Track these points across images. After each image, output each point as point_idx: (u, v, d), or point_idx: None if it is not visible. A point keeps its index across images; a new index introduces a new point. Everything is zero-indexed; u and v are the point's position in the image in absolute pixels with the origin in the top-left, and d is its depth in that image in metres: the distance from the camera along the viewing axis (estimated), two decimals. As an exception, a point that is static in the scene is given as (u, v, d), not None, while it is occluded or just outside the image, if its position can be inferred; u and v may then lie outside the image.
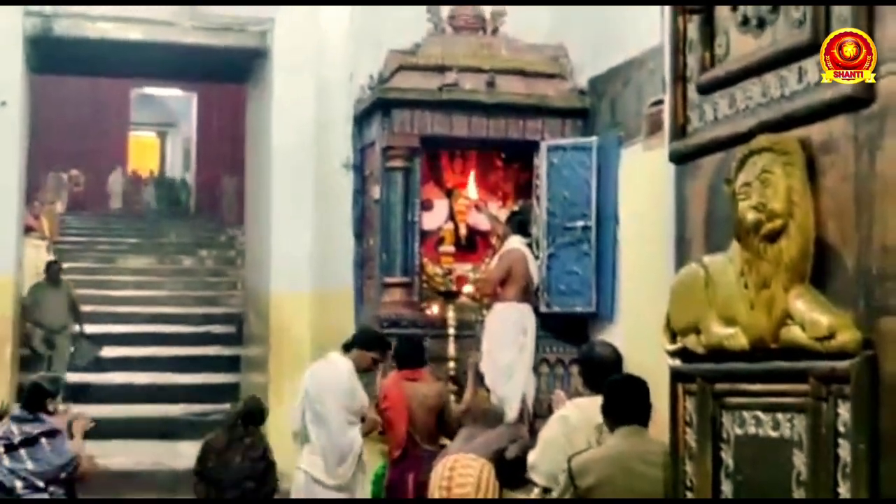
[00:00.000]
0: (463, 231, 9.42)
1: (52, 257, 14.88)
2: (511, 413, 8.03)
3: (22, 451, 6.51)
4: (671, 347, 3.82)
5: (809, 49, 3.22)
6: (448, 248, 9.19)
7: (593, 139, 8.73)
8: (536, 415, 8.17)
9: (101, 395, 12.69)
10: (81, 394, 12.36)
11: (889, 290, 2.92)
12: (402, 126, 8.96)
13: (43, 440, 6.59)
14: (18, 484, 6.47)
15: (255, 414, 7.32)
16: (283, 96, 10.50)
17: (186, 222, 23.78)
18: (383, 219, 9.04)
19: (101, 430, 11.51)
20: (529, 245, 8.74)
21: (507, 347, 8.28)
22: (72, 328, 12.75)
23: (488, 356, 8.22)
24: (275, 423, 8.18)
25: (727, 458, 3.52)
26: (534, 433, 7.00)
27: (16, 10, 10.00)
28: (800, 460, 3.19)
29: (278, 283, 10.48)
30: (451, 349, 8.41)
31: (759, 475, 3.38)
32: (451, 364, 8.38)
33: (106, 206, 25.61)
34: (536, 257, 8.69)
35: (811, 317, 3.13)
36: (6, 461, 6.50)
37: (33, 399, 6.83)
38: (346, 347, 7.12)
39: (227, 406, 12.91)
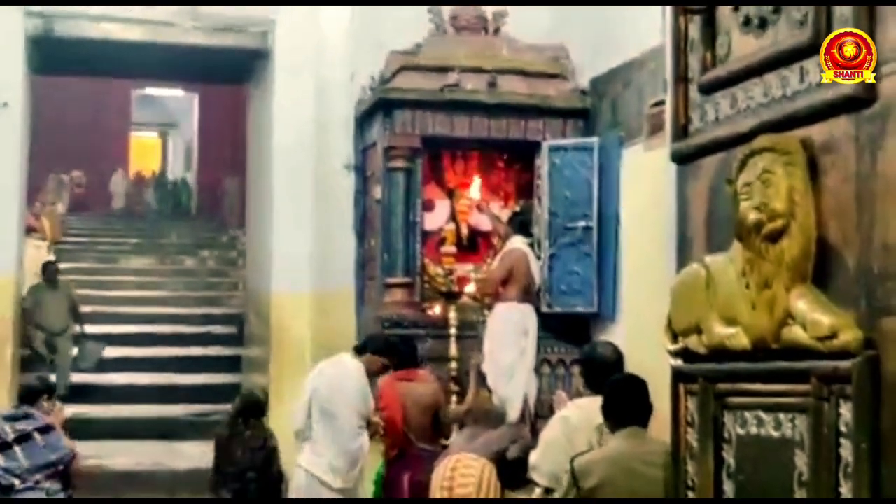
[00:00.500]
0: (464, 231, 9.44)
1: (53, 258, 14.84)
2: (513, 413, 8.04)
3: (16, 449, 6.53)
4: (673, 347, 3.81)
5: (811, 49, 3.22)
6: (449, 248, 9.20)
7: (594, 139, 8.73)
8: (538, 415, 8.17)
9: (101, 396, 12.68)
10: (82, 394, 12.37)
11: (891, 289, 2.92)
12: (403, 126, 8.96)
13: (36, 436, 6.61)
14: (16, 482, 6.48)
15: (251, 408, 7.41)
16: (284, 97, 10.48)
17: (187, 223, 23.77)
18: (385, 219, 9.04)
19: (102, 431, 11.61)
20: (531, 245, 8.75)
21: (509, 348, 8.29)
22: (73, 330, 12.67)
23: (490, 357, 8.23)
24: (275, 423, 8.18)
25: (729, 458, 3.52)
26: (535, 433, 7.01)
27: (17, 11, 9.99)
28: (801, 460, 3.19)
29: (279, 283, 10.46)
30: (453, 350, 8.42)
31: (760, 475, 3.38)
32: (453, 364, 8.39)
33: (108, 206, 25.60)
34: (538, 257, 8.70)
35: (813, 317, 3.13)
36: (1, 460, 6.50)
37: (26, 397, 6.87)
38: (358, 351, 7.11)
39: (227, 406, 12.88)
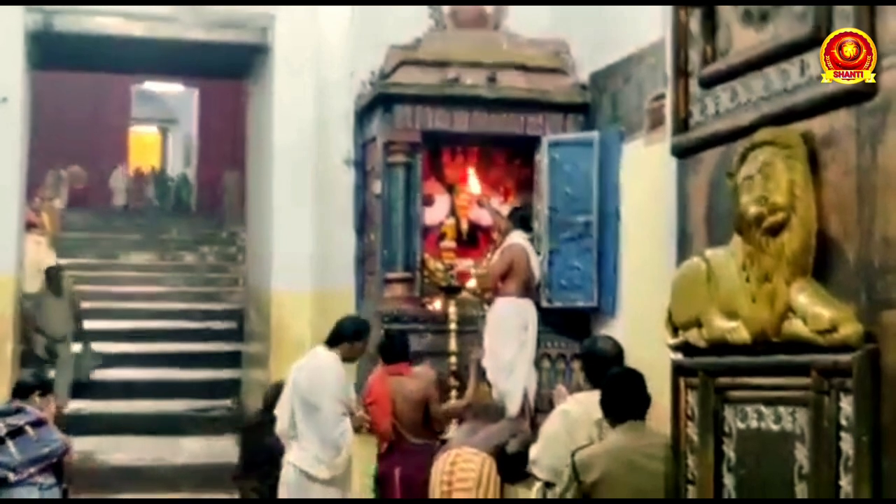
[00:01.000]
0: (464, 226, 9.43)
1: (53, 254, 14.82)
2: (512, 408, 8.04)
3: (9, 443, 6.53)
4: (673, 341, 3.82)
5: (811, 43, 3.22)
6: (449, 243, 9.19)
7: (595, 134, 8.72)
8: (538, 409, 8.17)
9: (101, 392, 12.71)
10: (82, 390, 12.38)
11: (891, 283, 2.92)
12: (403, 121, 8.95)
13: (29, 430, 6.61)
14: (10, 475, 6.49)
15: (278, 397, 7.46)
16: (284, 92, 10.49)
17: (187, 219, 23.78)
18: (384, 214, 9.03)
19: (102, 426, 11.62)
20: (531, 240, 8.74)
21: (509, 343, 8.28)
22: (72, 338, 12.49)
23: (490, 351, 8.22)
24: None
25: (729, 451, 3.53)
26: (535, 428, 7.01)
27: (16, 6, 9.99)
28: (802, 454, 3.19)
29: (279, 279, 10.47)
30: (453, 344, 8.41)
31: (761, 469, 3.38)
32: (453, 359, 8.38)
33: (108, 202, 25.61)
34: (538, 252, 8.69)
35: (813, 310, 3.13)
36: None
37: (19, 392, 6.88)
38: (331, 342, 7.08)
39: (227, 402, 12.93)
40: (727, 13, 3.67)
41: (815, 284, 3.17)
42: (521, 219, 8.85)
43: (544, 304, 8.66)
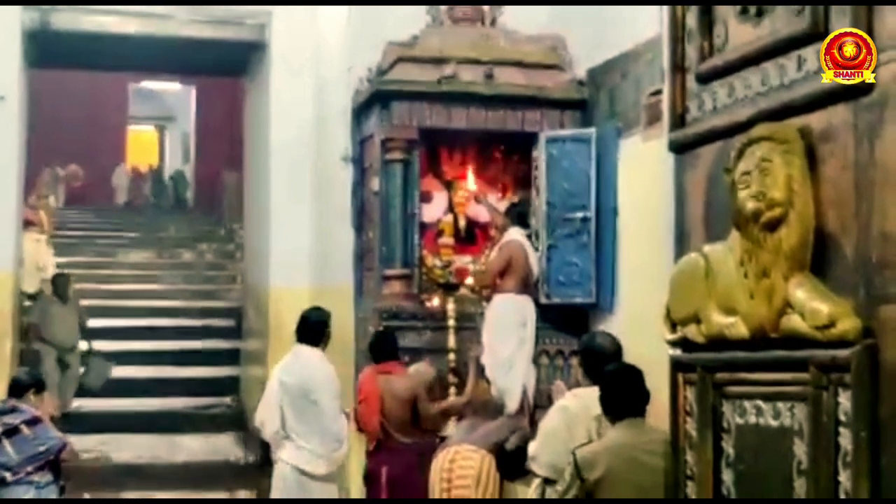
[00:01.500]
0: (462, 223, 9.42)
1: (51, 252, 14.78)
2: (511, 404, 8.04)
3: (5, 443, 6.52)
4: (671, 337, 3.82)
5: (808, 38, 3.22)
6: (447, 240, 9.19)
7: (592, 130, 8.72)
8: (537, 406, 8.17)
9: (100, 389, 12.68)
10: (81, 388, 12.36)
11: (889, 278, 2.92)
12: (400, 118, 8.95)
13: (24, 428, 6.60)
14: (7, 475, 6.48)
15: None
16: (282, 89, 10.48)
17: (185, 216, 23.77)
18: (383, 211, 9.03)
19: (101, 424, 11.61)
20: (529, 236, 8.74)
21: (507, 339, 8.28)
22: (82, 346, 12.17)
23: (488, 348, 8.22)
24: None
25: (728, 447, 3.53)
26: (534, 424, 7.01)
27: (13, 5, 9.98)
28: (800, 449, 3.19)
29: (277, 277, 10.46)
30: (452, 341, 8.41)
31: (760, 464, 3.38)
32: (452, 356, 8.39)
33: (106, 200, 25.58)
34: (536, 249, 8.69)
35: (811, 305, 3.13)
36: None
37: (13, 391, 6.85)
38: (314, 340, 7.05)
39: (227, 399, 12.93)
40: (724, 9, 3.67)
41: (813, 280, 3.17)
42: (519, 215, 8.85)
43: (542, 300, 8.66)
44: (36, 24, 10.20)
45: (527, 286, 8.51)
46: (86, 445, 10.99)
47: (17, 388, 6.90)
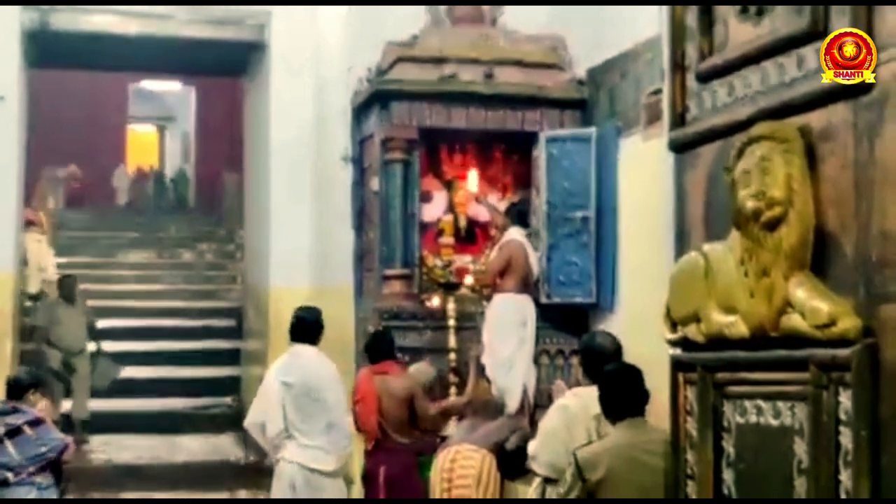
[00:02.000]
0: (462, 222, 9.43)
1: (51, 252, 14.77)
2: (512, 404, 8.04)
3: (8, 444, 6.51)
4: (671, 337, 3.81)
5: (808, 37, 3.21)
6: (448, 239, 9.19)
7: (592, 130, 8.72)
8: (537, 405, 8.18)
9: (101, 390, 12.67)
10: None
11: (889, 276, 2.92)
12: (400, 118, 8.95)
13: (27, 429, 6.59)
14: (10, 475, 6.48)
15: None
16: (282, 89, 10.48)
17: (185, 216, 23.77)
18: (383, 211, 9.03)
19: (101, 425, 11.60)
20: (529, 236, 8.74)
21: (508, 339, 8.29)
22: (89, 348, 11.81)
23: (489, 348, 8.23)
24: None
25: (728, 446, 3.52)
26: (534, 424, 7.01)
27: (13, 5, 9.98)
28: (801, 448, 3.19)
29: (277, 277, 10.46)
30: (452, 341, 8.41)
31: (760, 464, 3.37)
32: (452, 356, 8.39)
33: (106, 200, 25.58)
34: (536, 248, 8.69)
35: (811, 304, 3.13)
36: None
37: (13, 391, 6.83)
38: (312, 339, 7.04)
39: (227, 400, 12.92)
40: (724, 8, 3.67)
41: (813, 279, 3.17)
42: (519, 214, 8.86)
43: (543, 300, 8.67)
44: (35, 25, 10.20)
45: (527, 286, 8.52)
46: (86, 446, 11.02)
47: (18, 388, 6.88)
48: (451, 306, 8.53)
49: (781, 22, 3.35)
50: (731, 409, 3.50)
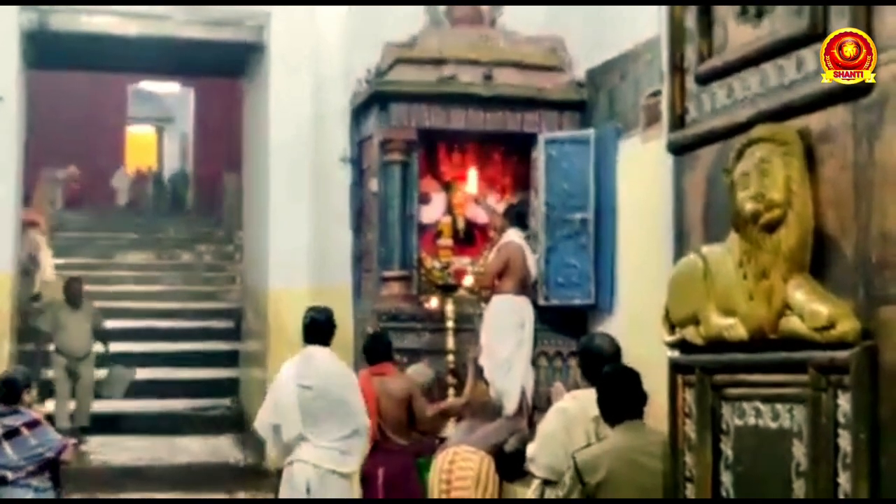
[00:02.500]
0: (461, 224, 9.43)
1: (50, 253, 14.76)
2: (510, 406, 8.04)
3: (5, 444, 6.51)
4: (670, 339, 3.80)
5: (808, 39, 3.21)
6: (446, 241, 9.20)
7: (591, 131, 8.73)
8: (535, 407, 8.18)
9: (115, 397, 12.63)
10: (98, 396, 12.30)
11: (888, 279, 2.91)
12: (399, 119, 8.96)
13: (24, 430, 6.58)
14: (9, 474, 6.47)
15: None
16: (280, 90, 10.48)
17: (184, 218, 23.77)
18: (381, 212, 9.04)
19: (100, 426, 11.59)
20: (527, 238, 8.74)
21: (506, 341, 8.29)
22: (95, 354, 11.66)
23: (487, 349, 8.23)
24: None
25: (727, 449, 3.52)
26: (533, 426, 7.02)
27: (12, 6, 9.98)
28: (800, 451, 3.18)
29: (276, 278, 10.46)
30: (450, 342, 8.42)
31: (759, 466, 3.37)
32: (451, 357, 8.39)
33: (105, 201, 25.59)
34: (534, 250, 8.69)
35: (810, 307, 3.12)
36: None
37: (10, 392, 6.80)
38: (325, 340, 7.02)
39: (226, 401, 12.92)
40: (723, 10, 3.66)
41: (812, 281, 3.16)
42: (517, 216, 8.86)
43: (541, 301, 8.67)
44: (34, 25, 10.20)
45: (525, 287, 8.52)
46: (85, 447, 11.01)
47: (14, 390, 6.86)
48: (449, 308, 8.53)
49: (781, 24, 3.35)
50: (730, 412, 3.49)
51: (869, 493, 2.94)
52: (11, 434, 6.55)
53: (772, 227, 3.23)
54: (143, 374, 13.24)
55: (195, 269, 18.86)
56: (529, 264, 8.55)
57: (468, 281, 9.13)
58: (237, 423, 12.25)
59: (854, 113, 3.04)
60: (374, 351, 7.37)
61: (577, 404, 5.40)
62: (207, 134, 26.00)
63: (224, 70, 13.67)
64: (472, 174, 9.45)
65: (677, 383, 3.76)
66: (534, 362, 8.52)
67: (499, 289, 8.44)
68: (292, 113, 10.32)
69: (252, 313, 11.98)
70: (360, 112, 9.59)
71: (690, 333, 3.66)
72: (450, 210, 9.48)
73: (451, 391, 8.27)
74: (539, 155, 8.92)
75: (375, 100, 9.11)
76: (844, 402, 3.03)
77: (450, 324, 8.47)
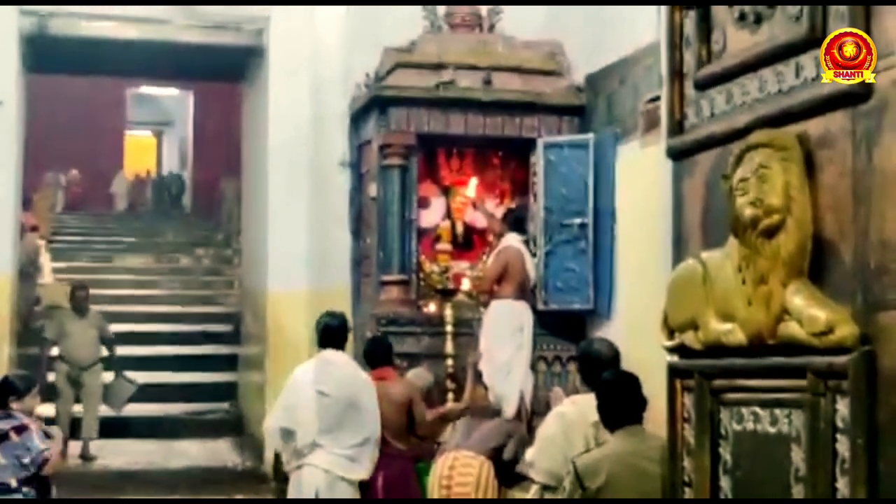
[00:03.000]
0: (460, 229, 9.44)
1: (48, 257, 14.76)
2: (509, 410, 8.04)
3: None
4: (669, 343, 3.81)
5: (806, 44, 3.22)
6: (445, 245, 9.20)
7: (590, 136, 8.73)
8: (534, 412, 8.17)
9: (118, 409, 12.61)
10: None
11: (887, 284, 2.92)
12: (398, 124, 8.96)
13: (13, 435, 6.54)
14: (12, 481, 6.44)
15: None
16: (279, 94, 10.48)
17: (183, 221, 23.78)
18: (380, 217, 9.04)
19: (99, 430, 11.58)
20: (526, 242, 8.75)
21: (505, 345, 8.29)
22: (101, 362, 11.34)
23: (486, 354, 8.23)
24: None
25: (725, 454, 3.52)
26: (531, 430, 7.01)
27: (11, 10, 9.98)
28: (798, 456, 3.19)
29: (275, 282, 10.46)
30: (449, 347, 8.42)
31: (757, 471, 3.37)
32: (450, 362, 8.39)
33: (104, 205, 25.60)
34: (533, 255, 8.70)
35: (809, 312, 3.12)
36: None
37: (3, 396, 6.76)
38: (340, 345, 7.02)
39: (224, 405, 12.92)
40: (722, 15, 3.67)
41: (810, 286, 3.16)
42: (516, 221, 8.86)
43: (540, 306, 8.67)
44: (34, 30, 10.21)
45: (524, 292, 8.52)
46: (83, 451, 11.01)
47: (3, 392, 6.80)
48: (448, 312, 8.53)
49: (780, 30, 3.35)
50: (728, 417, 3.50)
51: (867, 499, 2.94)
52: (1, 438, 6.52)
53: (770, 233, 3.23)
54: (141, 377, 13.19)
55: (194, 272, 18.86)
56: (528, 269, 8.56)
57: (467, 285, 9.13)
58: (236, 427, 12.26)
59: (853, 119, 3.05)
60: (375, 355, 7.36)
61: (576, 409, 5.41)
62: (206, 138, 26.02)
63: (223, 74, 13.69)
64: (472, 179, 9.46)
65: (676, 388, 3.76)
66: (533, 367, 8.52)
67: (498, 293, 8.44)
68: (291, 116, 10.32)
69: (251, 317, 11.98)
70: (359, 116, 9.60)
71: (689, 338, 3.66)
72: (449, 214, 9.48)
73: (450, 395, 8.26)
74: (538, 159, 8.92)
75: (374, 104, 9.11)
76: (843, 407, 3.04)
77: (449, 328, 8.47)
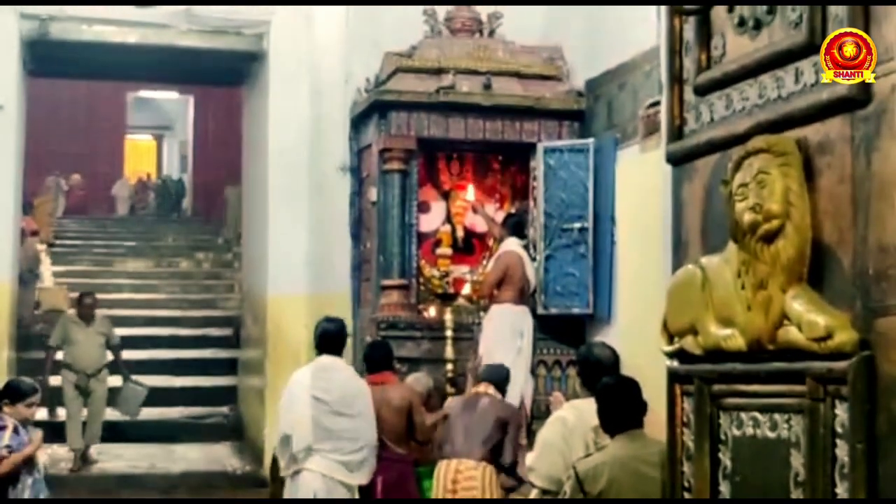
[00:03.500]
0: (460, 233, 9.44)
1: (48, 261, 14.76)
2: (509, 414, 8.04)
3: None
4: (668, 348, 3.81)
5: (806, 50, 3.22)
6: (445, 250, 9.20)
7: (590, 141, 8.74)
8: (534, 416, 8.18)
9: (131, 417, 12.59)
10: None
11: (886, 290, 2.92)
12: (398, 128, 8.97)
13: None
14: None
15: None
16: (280, 99, 10.49)
17: (183, 225, 23.78)
18: (380, 221, 9.04)
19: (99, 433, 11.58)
20: (526, 247, 8.75)
21: (505, 349, 8.28)
22: (106, 369, 11.15)
23: (486, 358, 8.22)
24: (273, 428, 8.17)
25: (725, 458, 3.52)
26: (531, 435, 7.01)
27: (12, 14, 9.99)
28: (797, 461, 3.19)
29: (275, 286, 10.46)
30: (449, 351, 8.41)
31: (756, 476, 3.38)
32: (450, 366, 8.38)
33: (104, 209, 25.60)
34: (533, 259, 8.70)
35: (808, 317, 3.13)
36: None
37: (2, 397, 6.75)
38: (338, 350, 7.01)
39: (224, 409, 12.91)
40: (722, 21, 3.67)
41: (810, 292, 3.17)
42: (516, 225, 8.87)
43: (540, 310, 8.67)
44: (34, 34, 10.21)
45: (524, 296, 8.52)
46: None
47: (9, 397, 6.78)
48: (448, 317, 8.53)
49: (779, 35, 3.36)
50: (728, 421, 3.50)
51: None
52: None
53: (770, 238, 3.24)
54: (141, 381, 13.24)
55: (194, 276, 18.85)
56: (528, 273, 8.56)
57: (467, 289, 9.13)
58: (235, 431, 12.25)
59: (852, 124, 3.06)
60: (375, 359, 7.35)
61: (576, 413, 5.41)
62: (206, 142, 26.03)
63: (223, 78, 13.70)
64: (470, 183, 9.46)
65: (675, 393, 3.77)
66: (533, 371, 8.53)
67: (498, 298, 8.45)
68: (292, 121, 10.33)
69: (251, 321, 11.98)
70: (359, 121, 9.60)
71: (689, 343, 3.67)
72: (449, 219, 9.48)
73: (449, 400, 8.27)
74: (538, 164, 8.93)
75: (375, 108, 9.12)
76: (842, 412, 3.04)
77: (448, 332, 8.46)
